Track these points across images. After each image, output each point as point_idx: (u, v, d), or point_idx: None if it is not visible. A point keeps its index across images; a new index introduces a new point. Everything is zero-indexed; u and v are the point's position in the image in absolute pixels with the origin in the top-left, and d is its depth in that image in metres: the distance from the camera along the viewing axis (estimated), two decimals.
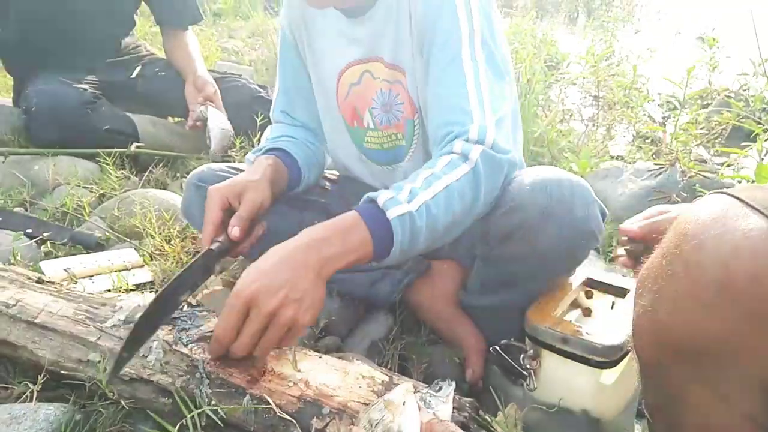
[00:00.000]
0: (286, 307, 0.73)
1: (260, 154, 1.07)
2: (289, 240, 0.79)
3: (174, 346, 0.82)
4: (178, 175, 1.79)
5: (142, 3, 2.03)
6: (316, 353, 0.85)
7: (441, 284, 1.21)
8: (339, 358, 0.87)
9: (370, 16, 1.02)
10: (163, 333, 0.85)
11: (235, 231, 0.87)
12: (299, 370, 0.80)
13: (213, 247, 0.86)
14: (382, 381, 0.77)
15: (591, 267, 1.21)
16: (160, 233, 1.35)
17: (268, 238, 0.89)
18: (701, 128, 2.24)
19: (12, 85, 1.97)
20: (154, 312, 0.78)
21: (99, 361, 0.84)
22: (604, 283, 1.02)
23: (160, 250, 1.33)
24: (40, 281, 0.98)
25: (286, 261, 0.76)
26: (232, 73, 2.12)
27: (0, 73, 2.39)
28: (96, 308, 0.90)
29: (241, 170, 1.24)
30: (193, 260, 0.83)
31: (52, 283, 0.98)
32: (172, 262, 1.28)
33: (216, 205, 0.89)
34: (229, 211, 0.91)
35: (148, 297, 0.90)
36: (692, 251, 0.50)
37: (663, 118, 2.69)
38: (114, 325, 0.86)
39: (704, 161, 2.00)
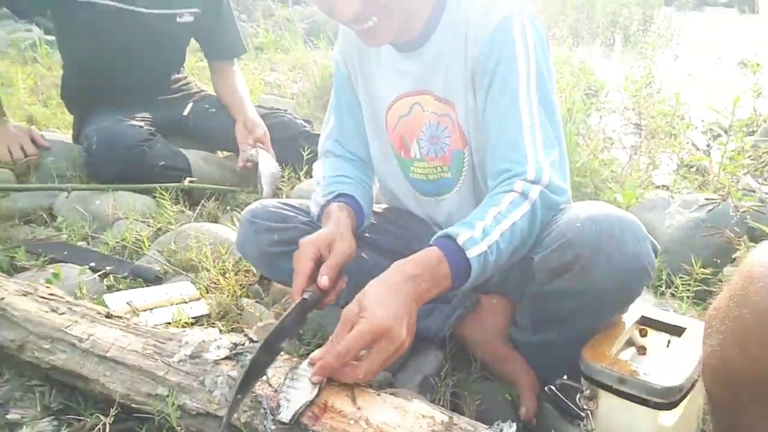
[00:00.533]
0: (389, 342, 0.80)
1: (330, 198, 1.11)
2: (389, 275, 0.86)
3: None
4: (228, 208, 1.85)
5: (191, 38, 2.13)
6: (372, 390, 0.87)
7: (491, 319, 1.22)
8: (393, 394, 0.89)
9: (422, 51, 1.06)
10: (227, 368, 0.88)
11: (324, 280, 0.92)
12: (358, 408, 0.82)
13: (306, 296, 0.90)
14: (442, 421, 0.78)
15: (644, 304, 1.20)
16: (214, 266, 1.40)
17: None
18: (748, 156, 2.20)
19: (72, 123, 2.07)
20: (259, 359, 0.82)
21: (167, 395, 0.87)
22: (658, 321, 1.02)
23: (215, 283, 1.38)
24: (108, 316, 1.03)
25: (399, 295, 0.83)
26: (278, 109, 2.19)
27: (60, 110, 2.51)
28: (163, 343, 0.94)
29: (292, 205, 1.28)
30: (288, 310, 0.88)
31: (120, 317, 1.03)
32: (228, 296, 1.32)
33: (308, 257, 0.94)
34: (317, 262, 0.96)
35: (212, 333, 0.94)
36: (758, 293, 0.52)
37: (707, 146, 2.65)
38: (181, 360, 0.90)
39: (753, 191, 1.97)
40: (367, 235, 1.26)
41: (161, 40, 1.96)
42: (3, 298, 1.06)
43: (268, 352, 0.85)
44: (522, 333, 1.15)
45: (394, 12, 0.96)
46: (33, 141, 1.80)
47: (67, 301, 1.07)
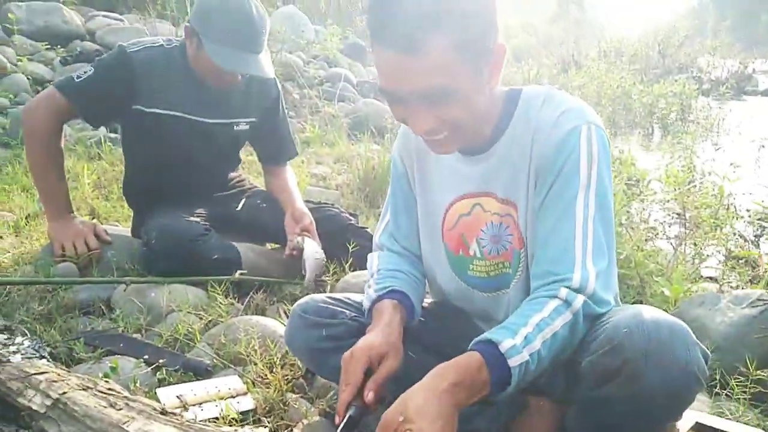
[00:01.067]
0: None
1: (382, 294, 1.15)
2: (432, 381, 0.88)
3: None
4: (275, 299, 1.90)
5: (246, 142, 2.27)
6: None
7: (539, 423, 1.20)
8: None
9: (487, 155, 1.11)
10: None
11: (371, 397, 0.95)
12: None
13: (352, 413, 0.93)
14: None
15: (699, 411, 1.16)
16: (261, 360, 1.43)
17: None
18: None
19: (131, 217, 2.20)
20: None
21: None
22: (714, 428, 0.99)
23: (262, 378, 1.40)
24: (164, 412, 1.06)
25: (443, 404, 0.85)
26: (326, 203, 2.29)
27: (120, 203, 2.68)
28: None
29: (342, 301, 1.31)
30: (339, 429, 0.91)
31: (174, 414, 1.06)
32: (274, 390, 1.34)
33: (360, 368, 0.97)
34: (368, 372, 0.98)
35: None
36: None
37: (755, 237, 2.61)
38: None
39: None
40: (412, 330, 1.27)
41: (219, 146, 2.11)
42: (65, 393, 1.10)
43: None
44: None
45: (464, 127, 1.02)
46: (96, 236, 1.92)
47: (125, 397, 1.11)
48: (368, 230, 2.19)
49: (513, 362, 0.90)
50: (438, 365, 0.93)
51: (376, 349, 1.00)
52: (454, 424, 0.84)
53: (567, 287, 0.97)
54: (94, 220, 2.26)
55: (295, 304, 1.31)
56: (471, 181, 1.15)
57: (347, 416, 0.91)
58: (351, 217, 2.19)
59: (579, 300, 0.96)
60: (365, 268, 1.97)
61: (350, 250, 1.95)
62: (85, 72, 1.92)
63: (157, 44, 1.99)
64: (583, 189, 1.01)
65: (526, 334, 0.92)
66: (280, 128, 2.24)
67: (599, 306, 0.98)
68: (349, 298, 1.34)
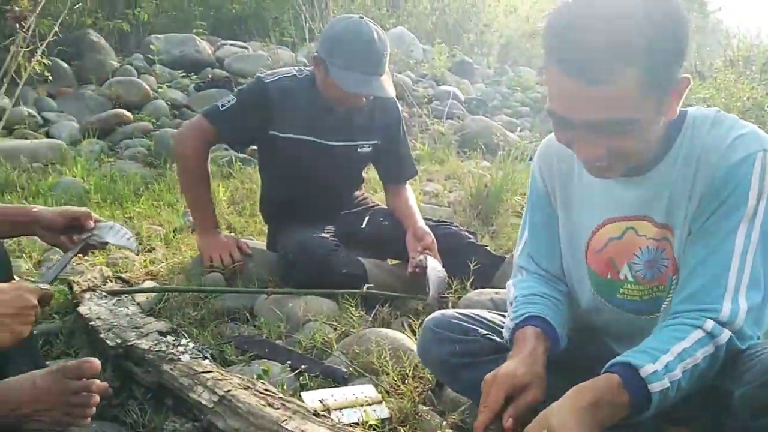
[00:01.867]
0: None
1: (519, 322, 1.16)
2: (571, 400, 0.91)
3: None
4: (399, 314, 1.98)
5: (369, 162, 2.40)
6: None
7: None
8: None
9: (645, 178, 1.08)
10: None
11: (510, 423, 0.97)
12: None
13: None
14: None
15: None
16: (394, 370, 1.50)
17: None
18: None
19: (267, 232, 2.39)
20: None
21: None
22: None
23: (395, 388, 1.48)
24: (316, 414, 1.16)
25: (583, 423, 0.88)
26: (445, 221, 2.36)
27: (252, 219, 2.90)
28: None
29: (473, 317, 1.35)
30: None
31: (325, 416, 1.16)
32: (408, 401, 1.41)
33: (501, 393, 1.00)
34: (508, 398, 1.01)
35: None
36: None
37: None
38: None
39: None
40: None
41: (344, 167, 2.25)
42: (229, 390, 1.24)
43: None
44: None
45: (629, 155, 1.00)
46: (239, 249, 2.11)
47: (281, 397, 1.22)
48: (488, 248, 2.23)
49: (654, 388, 0.91)
50: (576, 385, 0.95)
51: (520, 378, 1.02)
52: None
53: (714, 319, 0.95)
54: (232, 234, 2.47)
55: (427, 319, 1.37)
56: (625, 204, 1.12)
57: None
58: (470, 235, 2.24)
59: (725, 335, 0.94)
60: (487, 286, 2.03)
61: (471, 268, 1.99)
62: (228, 101, 2.13)
63: (290, 74, 2.17)
64: (747, 220, 0.98)
65: (667, 362, 0.92)
66: (400, 149, 2.35)
67: (742, 341, 0.96)
68: (480, 315, 1.37)
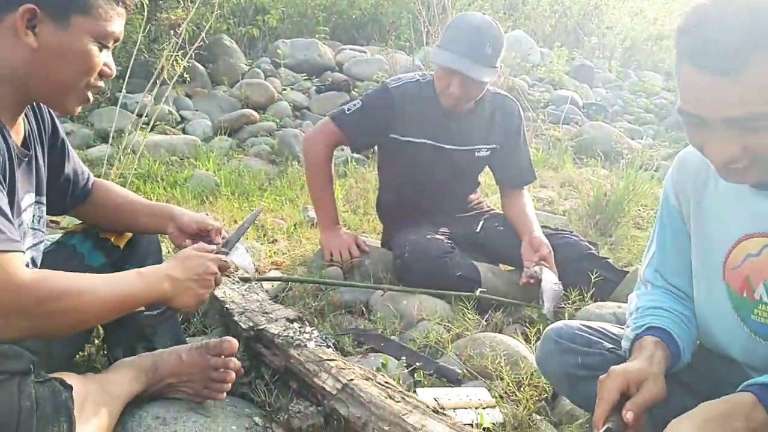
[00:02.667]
0: None
1: (640, 332, 1.14)
2: (698, 412, 0.87)
3: None
4: (511, 320, 1.97)
5: (486, 166, 2.39)
6: None
7: None
8: None
9: None
10: None
11: (629, 416, 0.95)
12: None
13: (610, 425, 0.94)
14: None
15: None
16: (509, 376, 1.50)
17: None
18: None
19: (382, 230, 2.46)
20: None
21: None
22: None
23: (509, 394, 1.47)
24: (435, 411, 1.19)
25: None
26: (564, 229, 2.30)
27: (366, 218, 3.00)
28: None
29: (598, 330, 1.32)
30: None
31: (444, 413, 1.18)
32: (523, 408, 1.39)
33: (616, 387, 0.99)
34: (624, 394, 0.99)
35: None
36: None
37: None
38: None
39: None
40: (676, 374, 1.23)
41: (461, 170, 2.26)
42: (352, 380, 1.30)
43: None
44: None
45: (766, 156, 0.94)
46: (358, 246, 2.19)
47: (401, 391, 1.26)
48: (610, 261, 2.14)
49: None
50: (706, 401, 0.90)
51: (635, 373, 1.00)
52: None
53: None
54: (356, 234, 2.57)
55: (548, 328, 1.35)
56: (763, 219, 1.06)
57: (606, 427, 0.93)
58: (591, 246, 2.16)
59: None
60: (607, 299, 1.96)
61: (592, 280, 1.93)
62: (354, 105, 2.22)
63: (414, 80, 2.22)
64: None
65: None
66: (520, 153, 2.32)
67: None
68: (604, 329, 1.34)
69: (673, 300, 1.22)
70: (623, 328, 1.31)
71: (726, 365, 1.21)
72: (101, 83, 1.20)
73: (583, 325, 1.34)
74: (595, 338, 1.28)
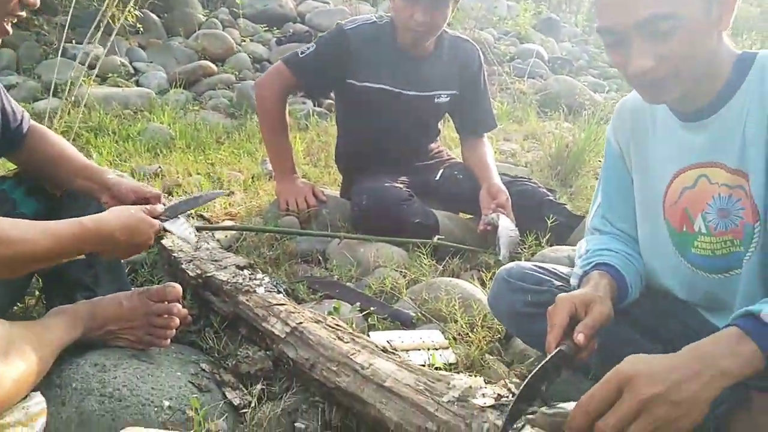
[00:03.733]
0: (660, 405, 0.74)
1: (588, 269, 1.14)
2: (676, 353, 0.80)
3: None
4: (469, 266, 1.96)
5: (446, 113, 2.35)
6: None
7: (765, 418, 1.09)
8: None
9: (713, 120, 1.03)
10: (493, 417, 0.94)
11: (580, 337, 0.94)
12: None
13: (563, 348, 0.93)
14: None
15: None
16: (463, 318, 1.49)
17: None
18: None
19: (341, 181, 2.41)
20: (520, 402, 0.87)
21: (436, 431, 0.96)
22: None
23: (463, 335, 1.47)
24: (384, 350, 1.17)
25: (677, 366, 0.77)
26: (522, 177, 2.28)
27: (326, 170, 2.94)
28: (433, 382, 1.04)
29: (548, 269, 1.32)
30: (548, 357, 0.92)
31: (395, 353, 1.16)
32: (475, 349, 1.39)
33: (565, 311, 0.98)
34: (573, 318, 0.99)
35: (478, 381, 1.01)
36: None
37: None
38: (449, 401, 0.99)
39: None
40: (624, 308, 1.23)
41: (420, 117, 2.21)
42: (301, 323, 1.27)
43: (528, 396, 0.88)
44: None
45: (686, 70, 0.96)
46: (314, 195, 2.14)
47: (350, 333, 1.24)
48: (566, 206, 2.15)
49: None
50: (692, 345, 0.83)
51: (580, 297, 1.00)
52: (693, 388, 0.75)
53: None
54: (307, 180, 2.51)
55: (501, 269, 1.35)
56: (695, 151, 1.07)
57: (558, 349, 0.93)
58: (548, 193, 2.16)
59: None
60: (563, 243, 1.96)
61: (549, 225, 1.93)
62: (308, 48, 2.13)
63: (370, 21, 2.14)
64: None
65: None
66: (480, 100, 2.27)
67: None
68: (554, 268, 1.34)
69: (621, 243, 1.23)
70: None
71: (671, 301, 1.22)
72: (22, 12, 1.12)
73: (535, 265, 1.34)
74: (545, 277, 1.29)
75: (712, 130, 1.04)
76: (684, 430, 0.76)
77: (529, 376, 0.89)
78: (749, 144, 0.99)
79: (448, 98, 2.21)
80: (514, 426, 0.86)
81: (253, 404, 1.17)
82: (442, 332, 1.48)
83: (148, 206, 1.26)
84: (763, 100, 0.98)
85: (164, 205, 1.37)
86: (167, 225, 1.32)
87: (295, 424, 1.16)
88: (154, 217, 1.24)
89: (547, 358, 0.92)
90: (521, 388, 0.88)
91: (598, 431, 0.78)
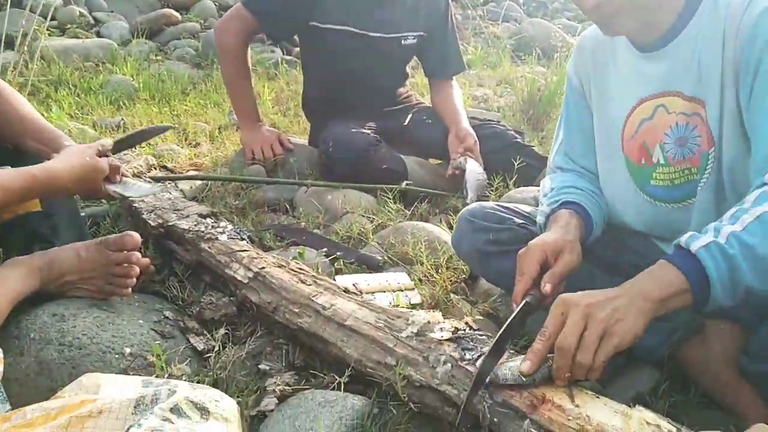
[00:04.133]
0: (600, 310, 0.82)
1: (555, 207, 1.13)
2: (618, 288, 0.85)
3: (460, 363, 0.92)
4: (438, 211, 1.96)
5: (414, 56, 2.30)
6: (592, 392, 0.87)
7: (718, 346, 1.13)
8: None
9: (668, 50, 1.03)
10: (450, 349, 0.95)
11: (547, 287, 0.95)
12: (577, 405, 0.83)
13: (529, 300, 0.94)
14: (669, 431, 0.76)
15: None
16: (428, 260, 1.50)
17: None
18: None
19: (309, 129, 2.37)
20: (489, 359, 0.88)
21: (395, 365, 0.98)
22: None
23: (428, 277, 1.48)
24: (346, 291, 1.17)
25: (610, 290, 0.85)
26: (491, 120, 2.26)
27: (296, 119, 2.88)
28: (392, 319, 1.05)
29: (509, 208, 1.33)
30: (514, 313, 0.92)
31: (356, 293, 1.17)
32: (440, 289, 1.41)
33: (535, 260, 0.98)
34: (543, 266, 0.99)
35: (436, 316, 1.03)
36: None
37: None
38: (408, 336, 1.00)
39: None
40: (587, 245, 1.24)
41: (388, 60, 2.16)
42: (263, 268, 1.27)
43: (496, 352, 0.89)
44: (756, 363, 1.05)
45: (641, 2, 0.95)
46: (281, 143, 2.10)
47: (313, 275, 1.24)
48: (535, 148, 2.14)
49: (694, 246, 0.81)
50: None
51: (551, 244, 1.00)
52: (632, 310, 0.81)
53: None
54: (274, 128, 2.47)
55: (464, 209, 1.35)
56: (652, 81, 1.06)
57: (524, 302, 0.94)
58: (517, 135, 2.15)
59: None
60: (531, 185, 1.97)
61: (516, 167, 1.93)
62: None
63: None
64: None
65: (714, 226, 0.84)
66: (447, 41, 2.23)
67: None
68: (518, 207, 1.34)
69: (584, 180, 1.23)
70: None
71: (628, 234, 1.23)
72: None
73: (497, 204, 1.35)
74: (507, 215, 1.29)
75: (669, 59, 1.03)
76: (626, 339, 0.81)
77: (497, 334, 0.89)
78: (704, 70, 0.99)
79: (416, 40, 2.15)
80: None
81: (217, 348, 1.17)
82: (408, 274, 1.49)
83: (99, 144, 1.24)
84: (713, 28, 0.97)
85: (120, 178, 1.34)
86: (118, 190, 1.29)
87: (259, 366, 1.17)
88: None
89: (513, 314, 0.92)
90: (491, 346, 0.89)
91: (560, 350, 0.82)
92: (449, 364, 0.92)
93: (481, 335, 0.98)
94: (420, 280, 1.47)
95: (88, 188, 1.19)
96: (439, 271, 1.48)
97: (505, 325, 0.90)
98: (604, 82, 1.16)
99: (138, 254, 1.24)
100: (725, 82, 0.96)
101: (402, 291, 1.41)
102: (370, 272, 1.52)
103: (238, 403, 0.97)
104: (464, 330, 0.98)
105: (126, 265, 1.23)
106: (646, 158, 1.11)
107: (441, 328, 0.99)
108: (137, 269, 1.24)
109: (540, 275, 0.97)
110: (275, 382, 1.10)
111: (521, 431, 0.82)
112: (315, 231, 1.73)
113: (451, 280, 1.46)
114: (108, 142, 1.28)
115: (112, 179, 1.33)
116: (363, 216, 1.78)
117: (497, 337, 0.89)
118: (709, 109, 0.99)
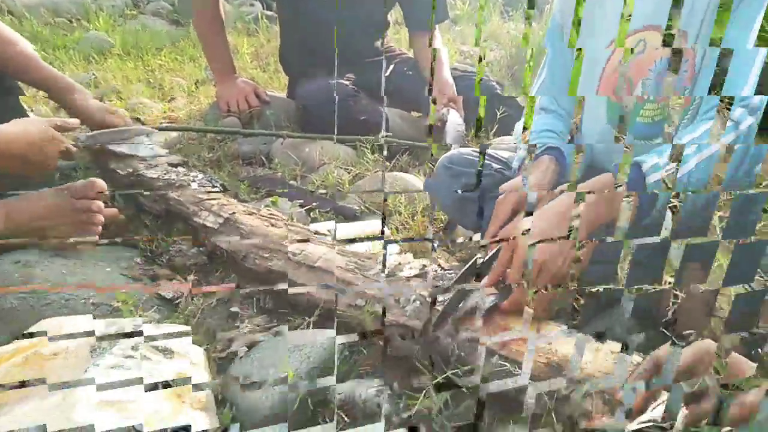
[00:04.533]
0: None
1: (539, 152, 1.12)
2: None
3: (428, 299, 0.91)
4: (418, 163, 1.93)
5: (396, 4, 2.23)
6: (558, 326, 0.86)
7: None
8: None
9: None
10: (416, 284, 0.94)
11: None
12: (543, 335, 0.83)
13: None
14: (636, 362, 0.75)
15: None
16: (406, 210, 1.48)
17: None
18: None
19: (287, 83, 2.31)
20: (460, 280, 0.89)
21: (363, 305, 0.96)
22: None
23: (404, 225, 1.46)
24: (317, 233, 1.15)
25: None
26: (472, 71, 2.21)
27: (276, 75, 2.81)
28: (363, 261, 1.03)
29: (488, 153, 1.30)
30: (489, 255, 0.93)
31: (326, 235, 1.14)
32: (414, 235, 1.39)
33: (509, 204, 0.98)
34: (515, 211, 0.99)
35: (407, 257, 1.01)
36: None
37: None
38: (375, 273, 0.98)
39: None
40: None
41: (365, 9, 2.09)
42: (234, 213, 1.24)
43: (464, 281, 0.89)
44: None
45: None
46: (257, 95, 2.05)
47: (284, 220, 1.21)
48: (516, 99, 2.11)
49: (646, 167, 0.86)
50: None
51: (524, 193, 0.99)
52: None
53: (743, 107, 0.89)
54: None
55: (442, 156, 1.33)
56: (638, 15, 1.03)
57: (496, 249, 0.92)
58: (497, 86, 2.11)
59: (747, 122, 0.87)
60: (511, 135, 1.94)
61: (497, 118, 1.89)
62: None
63: None
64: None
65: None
66: None
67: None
68: (496, 153, 1.32)
69: (563, 123, 1.21)
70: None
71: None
72: None
73: (474, 150, 1.32)
74: (486, 161, 1.26)
75: None
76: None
77: (463, 269, 0.90)
78: (686, 5, 0.96)
79: None
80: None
81: (185, 294, 1.15)
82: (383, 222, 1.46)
83: (62, 121, 1.22)
84: None
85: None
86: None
87: (231, 309, 1.15)
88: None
89: (488, 256, 0.92)
90: (459, 274, 0.89)
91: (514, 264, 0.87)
92: (417, 302, 0.91)
93: (450, 274, 0.96)
94: (396, 229, 1.45)
95: (43, 162, 1.20)
96: (415, 218, 1.46)
97: (470, 262, 0.89)
98: (589, 15, 1.13)
99: (99, 203, 1.21)
100: (706, 17, 0.94)
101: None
102: (347, 222, 1.49)
103: (206, 349, 0.95)
104: (431, 265, 0.97)
105: (91, 212, 1.19)
106: (627, 93, 1.08)
107: (410, 267, 0.97)
108: (101, 217, 1.21)
109: (511, 218, 0.96)
110: (246, 325, 1.08)
111: (489, 365, 0.81)
112: (291, 182, 1.69)
113: (426, 227, 1.44)
114: (74, 121, 1.25)
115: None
116: (341, 167, 1.75)
117: (462, 272, 0.88)
118: (691, 41, 0.97)
